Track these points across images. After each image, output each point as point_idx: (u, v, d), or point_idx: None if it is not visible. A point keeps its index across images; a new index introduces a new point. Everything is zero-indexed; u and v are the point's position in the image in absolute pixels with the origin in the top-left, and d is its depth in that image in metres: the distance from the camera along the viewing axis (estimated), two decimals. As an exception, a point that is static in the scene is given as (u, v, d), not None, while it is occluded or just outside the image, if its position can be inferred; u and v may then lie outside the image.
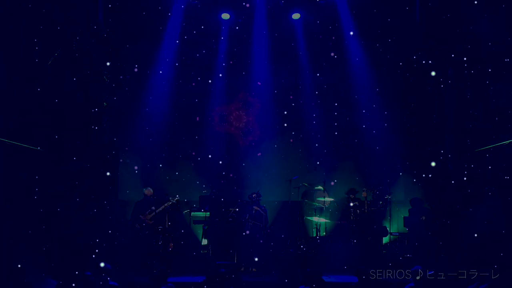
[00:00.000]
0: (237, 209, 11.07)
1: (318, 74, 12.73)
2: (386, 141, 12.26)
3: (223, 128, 12.96)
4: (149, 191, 11.06)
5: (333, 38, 12.52)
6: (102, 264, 7.80)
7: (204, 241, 11.15)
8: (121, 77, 11.99)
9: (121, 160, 11.94)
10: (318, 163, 12.51)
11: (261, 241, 10.63)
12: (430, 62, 11.15)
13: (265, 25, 12.48)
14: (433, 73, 10.48)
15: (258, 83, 12.76)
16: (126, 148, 12.25)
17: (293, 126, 12.90)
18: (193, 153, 12.65)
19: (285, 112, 12.76)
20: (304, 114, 12.88)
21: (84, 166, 9.81)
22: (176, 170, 12.63)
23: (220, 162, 12.54)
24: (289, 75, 12.87)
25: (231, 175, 12.58)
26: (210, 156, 12.52)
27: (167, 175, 12.59)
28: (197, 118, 12.76)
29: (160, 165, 12.50)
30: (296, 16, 12.54)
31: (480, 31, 10.13)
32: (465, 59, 10.44)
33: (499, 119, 9.82)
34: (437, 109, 11.50)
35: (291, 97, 12.84)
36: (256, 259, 10.27)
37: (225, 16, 12.47)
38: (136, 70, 12.23)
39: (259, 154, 12.76)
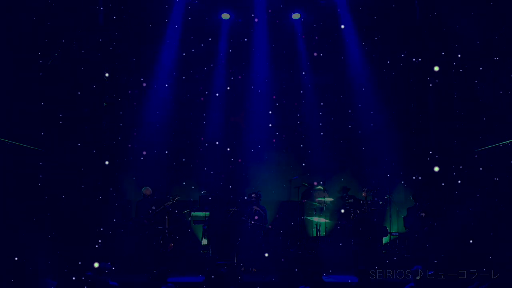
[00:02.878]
0: (237, 209, 11.06)
1: (304, 73, 12.68)
2: (374, 142, 12.25)
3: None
4: (148, 190, 11.05)
5: (316, 38, 12.52)
6: (96, 265, 7.80)
7: (204, 241, 11.14)
8: (129, 91, 12.06)
9: (129, 146, 11.94)
10: (304, 164, 12.46)
11: (262, 239, 10.65)
12: (419, 60, 11.18)
13: (265, 26, 12.49)
14: (436, 68, 10.45)
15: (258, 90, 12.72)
16: (134, 134, 12.21)
17: (284, 126, 12.83)
18: (202, 139, 12.59)
19: (270, 112, 12.63)
20: (297, 114, 12.87)
21: (90, 153, 10.00)
22: (183, 156, 12.58)
23: (228, 149, 12.50)
24: (288, 76, 12.86)
25: (239, 160, 12.54)
26: (217, 143, 12.47)
27: (174, 161, 12.55)
28: (201, 98, 12.76)
29: (166, 152, 12.45)
30: (296, 16, 12.54)
31: (467, 30, 10.16)
32: (459, 56, 10.45)
33: (487, 119, 9.86)
34: (423, 109, 11.51)
35: (274, 97, 12.75)
36: (266, 254, 10.24)
37: (225, 16, 12.48)
38: (144, 85, 12.26)
39: (274, 140, 12.69)
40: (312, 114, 12.70)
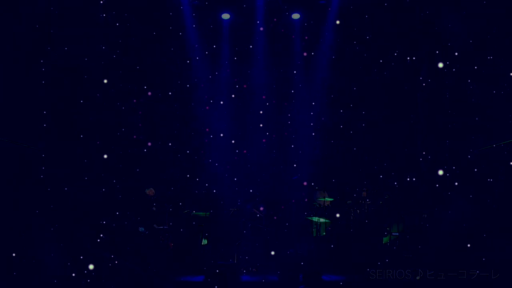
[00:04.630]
0: (237, 209, 11.06)
1: (295, 72, 12.61)
2: (365, 142, 12.20)
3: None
4: (151, 191, 11.07)
5: (306, 38, 12.49)
6: (91, 267, 7.87)
7: (204, 241, 11.14)
8: (134, 100, 12.04)
9: (134, 137, 11.95)
10: (295, 165, 12.40)
11: (262, 239, 10.66)
12: (413, 59, 11.14)
13: (263, 27, 12.48)
14: (440, 65, 10.40)
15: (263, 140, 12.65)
16: (140, 125, 12.19)
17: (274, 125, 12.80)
18: (207, 130, 12.54)
19: (261, 112, 12.60)
20: (287, 114, 12.81)
21: (93, 145, 10.16)
22: (187, 148, 12.54)
23: (233, 142, 12.47)
24: (279, 75, 12.81)
25: (244, 151, 12.50)
26: (222, 135, 12.44)
27: (178, 153, 12.52)
28: (207, 107, 12.71)
29: (170, 144, 12.41)
30: (295, 16, 12.52)
31: (460, 30, 10.14)
32: (455, 55, 10.40)
33: (480, 119, 9.85)
34: (415, 109, 11.48)
35: (264, 96, 12.70)
36: (273, 252, 10.26)
37: (225, 16, 12.49)
38: (149, 94, 12.25)
39: (263, 140, 12.65)
40: (302, 114, 12.65)
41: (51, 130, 9.70)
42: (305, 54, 12.45)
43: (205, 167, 12.41)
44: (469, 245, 8.96)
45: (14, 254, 8.40)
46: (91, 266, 7.97)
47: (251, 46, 12.55)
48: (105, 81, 10.71)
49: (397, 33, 11.69)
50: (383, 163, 12.08)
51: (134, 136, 11.94)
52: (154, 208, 10.69)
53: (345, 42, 12.28)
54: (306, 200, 11.79)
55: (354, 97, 12.39)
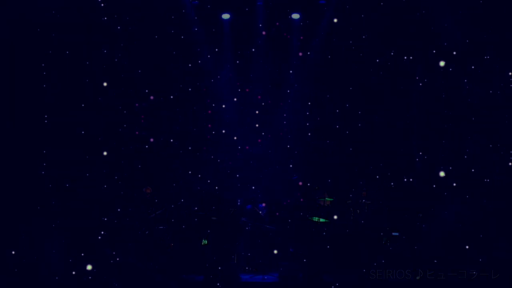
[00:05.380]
0: (237, 209, 11.09)
1: (291, 72, 12.60)
2: (361, 142, 12.22)
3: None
4: (148, 189, 11.09)
5: (301, 38, 12.51)
6: (89, 267, 7.93)
7: (204, 241, 11.16)
8: (136, 104, 12.00)
9: (136, 133, 11.94)
10: (291, 165, 12.45)
11: (262, 239, 10.70)
12: (410, 58, 11.20)
13: (262, 27, 12.50)
14: (442, 63, 10.42)
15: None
16: (142, 121, 12.18)
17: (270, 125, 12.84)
18: (209, 126, 12.57)
19: (257, 112, 12.64)
20: (283, 114, 12.84)
21: (95, 142, 10.22)
22: (189, 145, 12.53)
23: (235, 138, 12.49)
24: (275, 75, 12.82)
25: (247, 147, 12.51)
26: (224, 131, 12.46)
27: (180, 149, 12.51)
28: (209, 111, 12.75)
29: (171, 140, 12.42)
30: (295, 16, 12.54)
31: (456, 29, 10.20)
32: (453, 54, 10.46)
33: (476, 119, 9.92)
34: (411, 109, 11.54)
35: (259, 97, 12.75)
36: (275, 251, 10.29)
37: (225, 16, 12.50)
38: (152, 98, 12.22)
39: (259, 140, 12.68)
40: (298, 114, 12.67)
41: (52, 128, 9.74)
42: (300, 54, 12.47)
43: (207, 164, 12.42)
44: (467, 247, 9.04)
45: (13, 252, 8.44)
46: (89, 267, 8.01)
47: (253, 50, 12.57)
48: (105, 84, 10.72)
49: (393, 33, 11.72)
50: (379, 163, 12.11)
51: (136, 132, 11.95)
52: (153, 215, 10.70)
53: (341, 41, 12.28)
54: (301, 200, 11.81)
55: (350, 97, 12.40)
